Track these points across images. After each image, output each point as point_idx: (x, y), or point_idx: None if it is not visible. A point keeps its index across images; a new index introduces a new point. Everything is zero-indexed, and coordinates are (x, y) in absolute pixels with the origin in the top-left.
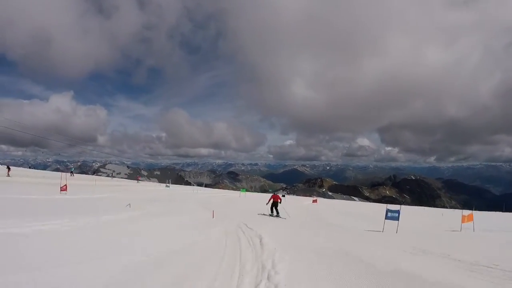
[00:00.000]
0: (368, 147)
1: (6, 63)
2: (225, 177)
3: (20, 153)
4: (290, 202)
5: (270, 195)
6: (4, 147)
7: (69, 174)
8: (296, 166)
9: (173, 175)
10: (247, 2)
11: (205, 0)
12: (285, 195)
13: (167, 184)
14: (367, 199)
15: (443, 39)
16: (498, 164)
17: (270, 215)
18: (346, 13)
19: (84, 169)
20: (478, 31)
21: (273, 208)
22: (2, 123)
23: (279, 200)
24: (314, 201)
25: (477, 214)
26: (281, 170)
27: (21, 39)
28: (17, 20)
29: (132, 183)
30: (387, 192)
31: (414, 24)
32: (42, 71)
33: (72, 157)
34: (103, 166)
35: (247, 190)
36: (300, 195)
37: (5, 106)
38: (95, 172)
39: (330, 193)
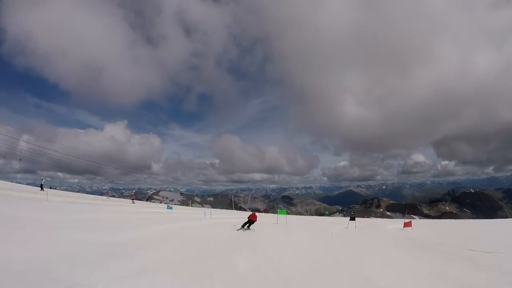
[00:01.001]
0: (424, 163)
1: (60, 92)
2: (280, 201)
3: (76, 180)
4: (363, 228)
5: (325, 217)
6: (60, 174)
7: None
8: (351, 187)
9: (226, 201)
10: (291, 24)
11: (250, 25)
12: (355, 218)
13: (169, 205)
14: (427, 216)
15: (492, 42)
16: None
17: (240, 228)
18: (391, 24)
19: (139, 196)
20: None
21: (247, 224)
22: (61, 151)
23: (255, 220)
24: (407, 224)
25: None
26: (336, 192)
27: (73, 69)
28: (69, 51)
29: (122, 202)
30: (447, 208)
31: (460, 30)
32: (95, 100)
33: (127, 184)
34: (156, 193)
35: (288, 212)
36: (358, 217)
37: (62, 135)
38: (148, 199)
39: (388, 213)
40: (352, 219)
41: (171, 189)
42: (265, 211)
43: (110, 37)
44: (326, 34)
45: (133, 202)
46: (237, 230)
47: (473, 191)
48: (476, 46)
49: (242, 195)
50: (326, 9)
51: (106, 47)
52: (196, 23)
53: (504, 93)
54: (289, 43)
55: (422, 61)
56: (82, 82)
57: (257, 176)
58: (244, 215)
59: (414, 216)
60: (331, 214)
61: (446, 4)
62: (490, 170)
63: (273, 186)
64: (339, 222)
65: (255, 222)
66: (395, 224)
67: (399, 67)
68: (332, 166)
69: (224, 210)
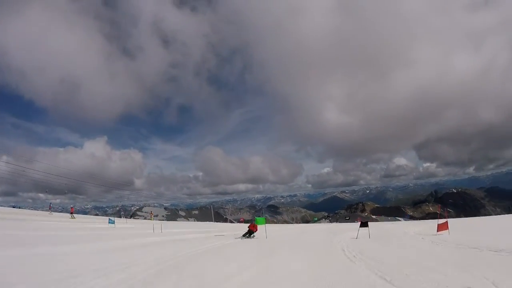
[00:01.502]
0: (406, 166)
1: (37, 110)
2: (265, 211)
3: (58, 200)
4: (380, 237)
5: (314, 224)
6: (42, 195)
7: None
8: (335, 193)
9: (212, 213)
10: (270, 33)
11: (228, 34)
12: (367, 224)
13: (111, 219)
14: (412, 218)
15: (470, 44)
16: None
17: (243, 236)
18: (370, 29)
19: (123, 213)
20: (504, 31)
21: (248, 233)
22: (41, 171)
23: (254, 230)
24: (442, 227)
25: None
26: (321, 199)
27: (50, 85)
28: (45, 65)
29: (61, 218)
30: (431, 209)
31: (439, 32)
32: (73, 117)
33: (110, 202)
34: (140, 209)
35: (275, 221)
36: (343, 222)
37: (41, 154)
38: (132, 215)
39: (373, 217)
40: (364, 225)
41: (155, 205)
42: (245, 221)
43: (86, 50)
44: (306, 41)
45: (72, 217)
46: (235, 238)
47: (455, 191)
48: (455, 48)
49: (227, 207)
50: (305, 17)
51: (82, 61)
52: (174, 33)
53: (484, 94)
54: (268, 52)
55: (402, 64)
56: (60, 98)
57: (241, 187)
58: (221, 227)
59: (400, 219)
60: (318, 220)
61: (423, 6)
62: (471, 170)
63: (258, 196)
64: (337, 231)
65: (255, 232)
66: (413, 227)
67: (379, 71)
68: (316, 173)
69: (200, 222)
